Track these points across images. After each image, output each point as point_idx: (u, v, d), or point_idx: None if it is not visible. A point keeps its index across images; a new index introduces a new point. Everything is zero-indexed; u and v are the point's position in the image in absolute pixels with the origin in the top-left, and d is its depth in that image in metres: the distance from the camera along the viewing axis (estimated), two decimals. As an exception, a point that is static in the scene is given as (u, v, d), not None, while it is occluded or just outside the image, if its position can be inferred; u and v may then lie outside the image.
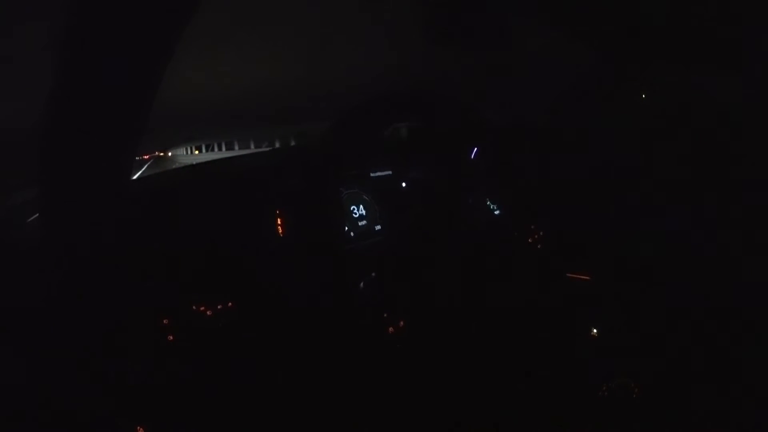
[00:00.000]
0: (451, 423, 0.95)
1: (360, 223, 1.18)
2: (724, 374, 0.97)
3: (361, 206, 1.20)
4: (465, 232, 1.28)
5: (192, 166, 1.16)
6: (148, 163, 1.50)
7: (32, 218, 0.81)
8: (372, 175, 1.24)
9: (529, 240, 1.37)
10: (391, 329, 1.05)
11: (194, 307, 0.88)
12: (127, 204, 0.75)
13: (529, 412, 0.99)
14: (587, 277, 1.25)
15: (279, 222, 1.02)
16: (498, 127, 1.35)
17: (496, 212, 1.40)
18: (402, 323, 1.06)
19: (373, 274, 1.08)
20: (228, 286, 0.92)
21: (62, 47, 0.45)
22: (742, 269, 1.04)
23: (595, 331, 1.15)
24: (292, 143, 1.21)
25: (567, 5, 0.87)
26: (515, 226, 1.37)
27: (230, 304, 0.91)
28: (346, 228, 1.14)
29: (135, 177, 1.06)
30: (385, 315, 1.05)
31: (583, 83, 1.20)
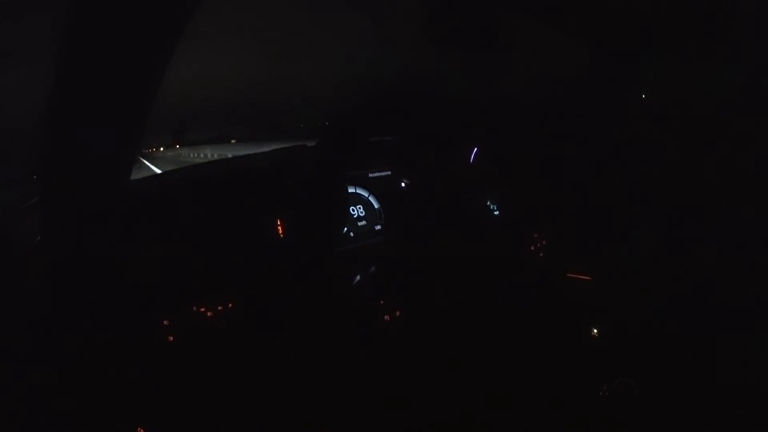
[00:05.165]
0: (449, 423, 0.95)
1: (359, 223, 1.18)
2: (725, 374, 0.97)
3: (361, 206, 1.20)
4: (465, 233, 1.28)
5: (192, 166, 1.15)
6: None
7: (32, 219, 0.81)
8: (371, 175, 1.24)
9: (529, 240, 1.37)
10: (387, 317, 1.04)
11: (194, 308, 0.88)
12: (127, 204, 0.75)
13: (528, 411, 0.98)
14: (587, 277, 1.24)
15: (279, 222, 1.02)
16: (498, 127, 1.35)
17: (496, 213, 1.40)
18: (399, 314, 1.06)
19: (373, 269, 1.07)
20: (228, 287, 0.92)
21: (63, 47, 0.45)
22: (743, 269, 1.04)
23: (595, 331, 1.15)
24: (291, 144, 1.21)
25: (566, 5, 0.87)
26: (515, 226, 1.37)
27: (230, 305, 0.91)
28: (346, 228, 1.14)
29: (134, 178, 1.06)
30: (383, 307, 1.05)
31: (583, 83, 1.20)
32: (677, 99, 1.21)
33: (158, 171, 1.29)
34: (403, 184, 1.28)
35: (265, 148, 1.19)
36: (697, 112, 1.15)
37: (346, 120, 1.06)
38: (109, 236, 0.70)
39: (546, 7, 0.85)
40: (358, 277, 1.06)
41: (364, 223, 1.19)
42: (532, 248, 1.36)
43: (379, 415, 0.92)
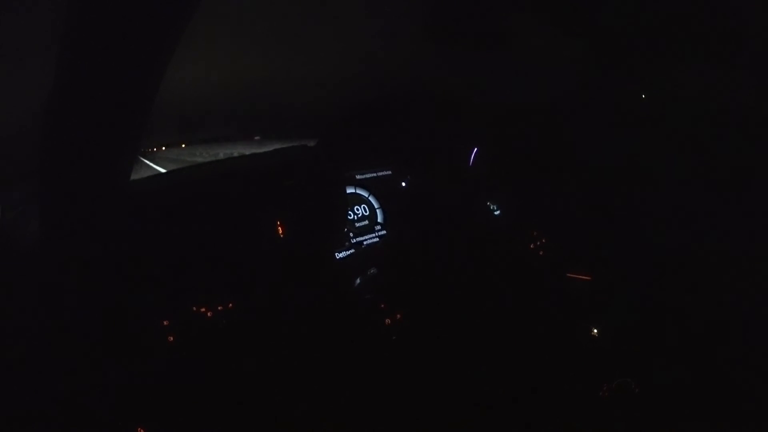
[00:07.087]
0: (450, 423, 0.95)
1: (358, 224, 1.18)
2: (724, 373, 0.98)
3: (362, 206, 1.20)
4: (465, 232, 1.29)
5: (192, 166, 1.15)
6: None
7: (32, 219, 0.81)
8: (371, 175, 1.24)
9: (529, 240, 1.37)
10: (388, 321, 1.04)
11: (194, 309, 0.88)
12: (126, 205, 0.75)
13: (529, 411, 0.98)
14: (587, 277, 1.24)
15: (279, 223, 1.02)
16: (497, 127, 1.35)
17: (496, 212, 1.40)
18: (399, 317, 1.06)
19: (372, 271, 1.07)
20: (228, 287, 0.92)
21: (63, 47, 0.45)
22: (742, 270, 1.04)
23: (595, 331, 1.15)
24: (291, 144, 1.21)
25: (566, 5, 0.87)
26: (515, 226, 1.37)
27: (230, 305, 0.91)
28: (345, 228, 1.14)
29: (134, 178, 1.06)
30: (382, 307, 1.05)
31: (583, 83, 1.20)
32: (677, 99, 1.20)
33: (160, 171, 1.29)
34: (403, 184, 1.28)
35: (266, 148, 1.19)
36: (698, 113, 1.15)
37: (347, 120, 1.07)
38: (109, 236, 0.71)
39: (546, 7, 0.86)
40: (358, 280, 1.06)
41: (365, 222, 1.19)
42: (532, 248, 1.36)
43: (381, 416, 0.93)
